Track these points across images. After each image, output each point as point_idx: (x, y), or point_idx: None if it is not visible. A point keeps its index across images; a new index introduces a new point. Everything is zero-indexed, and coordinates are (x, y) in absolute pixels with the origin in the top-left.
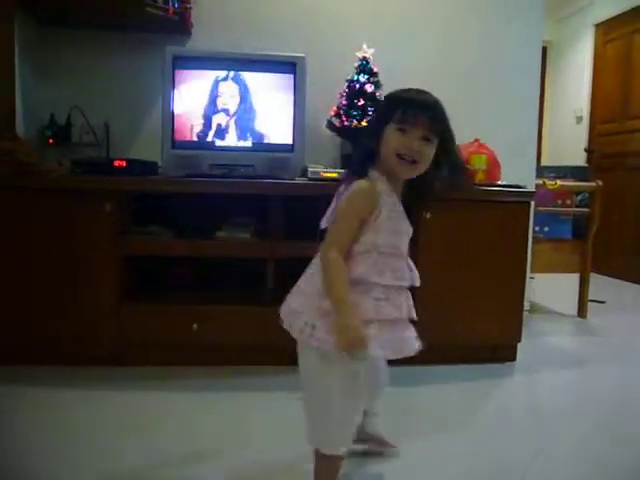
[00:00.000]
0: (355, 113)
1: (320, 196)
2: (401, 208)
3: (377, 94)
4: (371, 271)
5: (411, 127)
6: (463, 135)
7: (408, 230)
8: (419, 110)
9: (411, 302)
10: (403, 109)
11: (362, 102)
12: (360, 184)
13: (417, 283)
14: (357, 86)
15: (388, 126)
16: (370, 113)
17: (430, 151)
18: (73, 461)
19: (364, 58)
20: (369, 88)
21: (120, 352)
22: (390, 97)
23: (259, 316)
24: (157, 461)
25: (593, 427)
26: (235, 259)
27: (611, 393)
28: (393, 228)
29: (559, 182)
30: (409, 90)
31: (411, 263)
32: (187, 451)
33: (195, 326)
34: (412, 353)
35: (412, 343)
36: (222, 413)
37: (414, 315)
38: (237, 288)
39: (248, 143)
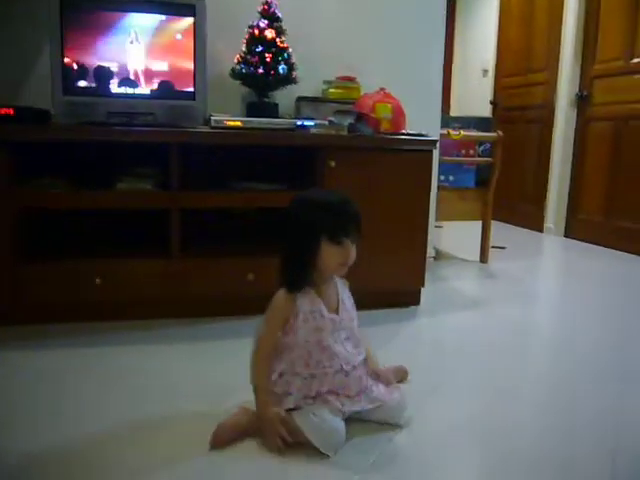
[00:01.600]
0: (253, 60)
1: (223, 145)
2: (323, 309)
3: (278, 40)
4: (296, 364)
5: (345, 238)
6: (369, 84)
7: (335, 323)
8: (349, 222)
9: (361, 376)
10: (337, 225)
11: (261, 49)
12: (277, 297)
13: (358, 358)
14: (257, 32)
15: (322, 242)
16: (267, 59)
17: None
18: None
19: (267, 2)
20: (269, 34)
21: (19, 313)
22: (316, 211)
23: (164, 268)
24: (69, 423)
25: (489, 361)
26: (138, 211)
27: (507, 330)
28: (312, 327)
29: (462, 132)
30: (331, 201)
31: (357, 337)
32: (96, 411)
33: (98, 280)
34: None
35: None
36: (130, 367)
37: (365, 384)
38: (141, 241)
39: (147, 90)
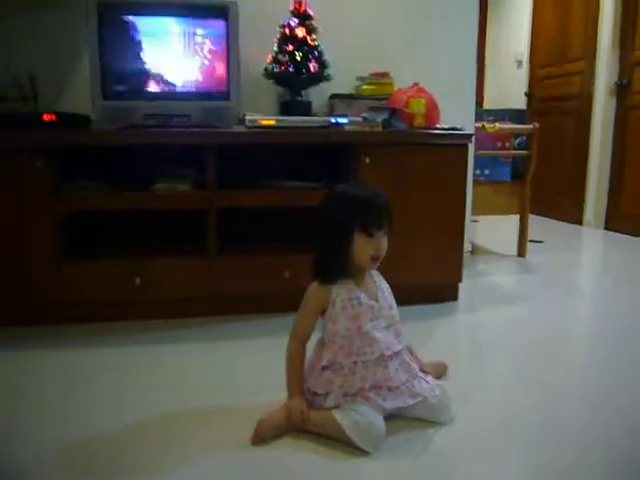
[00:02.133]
0: (284, 59)
1: (258, 144)
2: (361, 296)
3: (309, 38)
4: (338, 355)
5: (377, 231)
6: (402, 79)
7: (374, 310)
8: (381, 214)
9: (402, 365)
10: (369, 218)
11: (291, 47)
12: (310, 289)
13: (398, 346)
14: (287, 31)
15: (355, 234)
16: (298, 58)
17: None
18: (17, 424)
19: (298, 1)
20: (300, 32)
21: (61, 311)
22: (348, 204)
23: (202, 267)
24: (110, 420)
25: (530, 357)
26: (175, 211)
27: (547, 325)
28: (350, 315)
29: (498, 125)
30: (363, 194)
31: (397, 327)
32: (129, 406)
33: (138, 280)
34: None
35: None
36: (167, 366)
37: (406, 376)
38: (179, 240)
39: (182, 92)
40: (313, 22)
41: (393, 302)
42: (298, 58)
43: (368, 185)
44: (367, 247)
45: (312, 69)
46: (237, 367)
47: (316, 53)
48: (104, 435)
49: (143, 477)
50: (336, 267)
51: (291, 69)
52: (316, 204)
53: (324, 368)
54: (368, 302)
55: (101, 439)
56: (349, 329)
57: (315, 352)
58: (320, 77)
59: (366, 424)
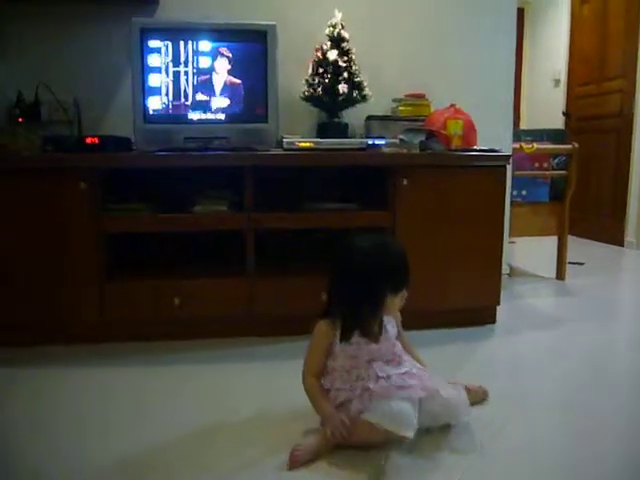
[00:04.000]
0: (315, 82)
1: (296, 166)
2: (363, 341)
3: (340, 60)
4: (337, 381)
5: (406, 287)
6: (439, 100)
7: (373, 352)
8: (408, 273)
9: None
10: (400, 279)
11: (321, 70)
12: (320, 327)
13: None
14: (320, 54)
15: (388, 295)
16: (327, 80)
17: None
18: (61, 441)
19: (332, 24)
20: (331, 55)
21: (103, 330)
22: (381, 266)
23: (240, 287)
24: (149, 438)
25: (570, 382)
26: (214, 232)
27: (587, 349)
28: (349, 355)
29: (536, 145)
30: (393, 254)
31: (402, 358)
32: (177, 426)
33: (177, 300)
34: None
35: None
36: (205, 386)
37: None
38: (217, 261)
39: (222, 115)
40: (346, 44)
41: (395, 338)
42: (327, 80)
43: (385, 237)
44: (396, 304)
45: (341, 90)
46: (274, 389)
47: (346, 75)
48: (142, 453)
49: None
50: (364, 327)
51: (321, 91)
52: (353, 225)
53: (328, 391)
54: (367, 347)
55: (138, 457)
56: (344, 366)
57: None
58: (353, 99)
59: (396, 409)
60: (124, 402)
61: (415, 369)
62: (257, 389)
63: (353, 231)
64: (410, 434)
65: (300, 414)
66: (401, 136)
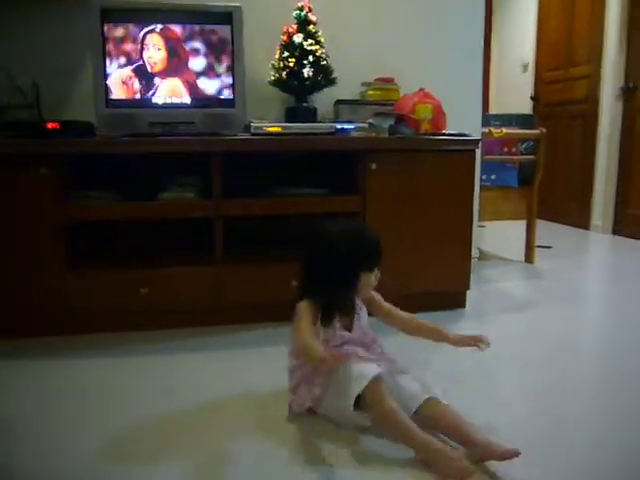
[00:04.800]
0: (282, 65)
1: (264, 151)
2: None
3: (306, 44)
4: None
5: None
6: (408, 85)
7: (344, 338)
8: (379, 251)
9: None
10: (373, 258)
11: (287, 54)
12: (303, 305)
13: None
14: (286, 37)
15: (362, 273)
16: (291, 64)
17: None
18: (21, 433)
19: (300, 7)
20: (297, 39)
21: (66, 321)
22: (354, 246)
23: (208, 276)
24: (117, 431)
25: (540, 364)
26: (181, 220)
27: (556, 332)
28: (322, 338)
29: (505, 130)
30: (362, 234)
31: (371, 342)
32: (146, 418)
33: (143, 290)
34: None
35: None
36: (175, 375)
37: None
38: (185, 249)
39: (187, 100)
40: (312, 27)
41: (367, 323)
42: (291, 64)
43: (353, 220)
44: (370, 282)
45: (306, 74)
46: (245, 376)
47: (311, 58)
48: (110, 447)
49: None
50: (342, 308)
51: (286, 76)
52: (323, 211)
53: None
54: (340, 332)
55: (105, 451)
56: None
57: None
58: (319, 83)
59: (354, 369)
60: (89, 395)
61: (383, 355)
62: (228, 377)
63: (323, 217)
64: (359, 389)
65: (273, 401)
66: (370, 120)
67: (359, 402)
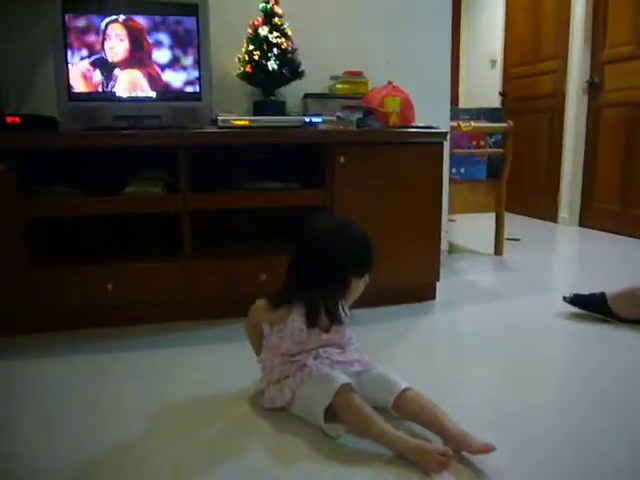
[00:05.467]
0: (248, 59)
1: (231, 145)
2: (314, 331)
3: (271, 37)
4: (277, 359)
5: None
6: (377, 79)
7: (322, 341)
8: (372, 258)
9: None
10: (364, 262)
11: (251, 48)
12: (259, 304)
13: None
14: (252, 30)
15: (353, 278)
16: (256, 57)
17: None
18: None
19: (266, 0)
20: (262, 31)
21: (30, 320)
22: (347, 250)
23: (176, 271)
24: (89, 431)
25: (508, 354)
26: (148, 214)
27: (525, 322)
28: (297, 341)
29: (473, 124)
30: (357, 238)
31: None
32: (104, 415)
33: (110, 286)
34: None
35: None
36: (143, 373)
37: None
38: (153, 244)
39: (153, 93)
40: (278, 20)
41: (344, 330)
42: (256, 57)
43: (347, 220)
44: (359, 288)
45: (270, 67)
46: (215, 371)
47: (276, 51)
48: (84, 448)
49: None
50: (328, 312)
51: (251, 69)
52: (291, 204)
53: (264, 367)
54: (318, 337)
55: (85, 452)
56: (290, 349)
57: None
58: (285, 76)
59: (320, 376)
60: (57, 395)
61: (357, 353)
62: (197, 372)
63: (295, 212)
64: (327, 400)
65: (247, 395)
66: (338, 113)
67: (330, 410)
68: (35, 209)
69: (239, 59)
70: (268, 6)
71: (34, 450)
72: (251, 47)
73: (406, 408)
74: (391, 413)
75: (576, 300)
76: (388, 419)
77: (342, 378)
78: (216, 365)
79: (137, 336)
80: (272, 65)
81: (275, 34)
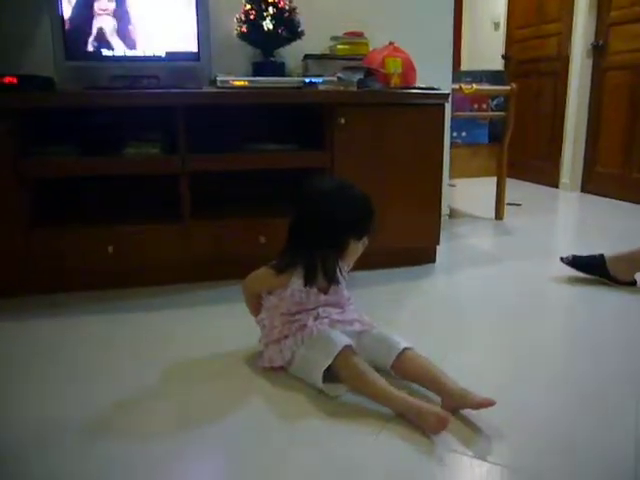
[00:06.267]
0: (245, 18)
1: (229, 105)
2: (313, 291)
3: None
4: (277, 320)
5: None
6: (378, 38)
7: (320, 301)
8: (373, 221)
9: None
10: (364, 225)
11: (247, 7)
12: (267, 271)
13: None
14: None
15: (351, 242)
16: (252, 17)
17: None
18: None
19: None
20: None
21: (30, 281)
22: (346, 212)
23: (175, 233)
24: (94, 395)
25: (506, 318)
26: (147, 176)
27: (524, 286)
28: (296, 301)
29: (475, 86)
30: (358, 201)
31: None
32: (108, 376)
33: (110, 248)
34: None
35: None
36: (145, 334)
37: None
38: (151, 206)
39: (150, 52)
40: None
41: (343, 291)
42: (252, 17)
43: (349, 182)
44: (357, 251)
45: (265, 27)
46: (216, 332)
47: (271, 10)
48: (87, 408)
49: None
50: (326, 272)
51: (246, 29)
52: (291, 166)
53: (264, 326)
54: (316, 297)
55: (86, 411)
56: (289, 309)
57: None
58: (281, 36)
59: (322, 337)
60: (57, 355)
61: (356, 314)
62: (198, 334)
63: (293, 173)
64: (327, 362)
65: (247, 354)
66: (339, 74)
67: (330, 370)
68: (34, 170)
69: (237, 19)
70: None
71: (43, 410)
72: (248, 6)
73: (405, 368)
74: (390, 373)
75: (574, 262)
76: (388, 379)
77: (343, 340)
78: (216, 326)
79: (137, 298)
80: (267, 25)
81: None
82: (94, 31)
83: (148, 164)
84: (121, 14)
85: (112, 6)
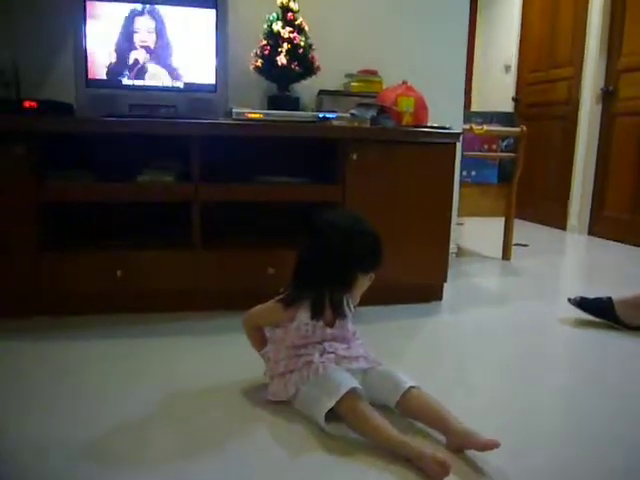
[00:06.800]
0: (261, 53)
1: (244, 137)
2: (319, 325)
3: (283, 32)
4: (282, 352)
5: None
6: (392, 78)
7: (326, 335)
8: (381, 256)
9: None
10: (372, 260)
11: (263, 43)
12: (277, 306)
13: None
14: (266, 25)
15: (359, 276)
16: (266, 52)
17: None
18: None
19: None
20: (276, 27)
21: (41, 304)
22: (355, 246)
23: (185, 261)
24: (77, 412)
25: (512, 358)
26: (159, 203)
27: (530, 327)
28: (302, 335)
29: (486, 127)
30: (367, 236)
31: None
32: (111, 400)
33: (119, 272)
34: None
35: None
36: (149, 360)
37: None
38: (162, 233)
39: (169, 83)
40: (292, 15)
41: (349, 325)
42: (267, 52)
43: (360, 217)
44: (364, 286)
45: (279, 62)
46: (222, 363)
47: (286, 46)
48: (88, 429)
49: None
50: (332, 306)
51: (261, 63)
52: (302, 200)
53: (269, 359)
54: (322, 331)
55: (86, 433)
56: (294, 342)
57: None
58: (295, 71)
59: (326, 378)
60: (63, 377)
61: (362, 349)
62: (204, 363)
63: (305, 206)
64: (331, 403)
65: (254, 386)
66: (352, 111)
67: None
68: (50, 193)
69: (255, 54)
70: (284, 1)
71: (44, 429)
72: (264, 42)
73: (411, 406)
74: (395, 411)
75: (582, 303)
76: (392, 416)
77: (349, 382)
78: (221, 356)
79: (143, 324)
80: (281, 60)
81: (288, 29)
82: (114, 60)
83: (162, 191)
84: (141, 44)
85: (136, 38)
